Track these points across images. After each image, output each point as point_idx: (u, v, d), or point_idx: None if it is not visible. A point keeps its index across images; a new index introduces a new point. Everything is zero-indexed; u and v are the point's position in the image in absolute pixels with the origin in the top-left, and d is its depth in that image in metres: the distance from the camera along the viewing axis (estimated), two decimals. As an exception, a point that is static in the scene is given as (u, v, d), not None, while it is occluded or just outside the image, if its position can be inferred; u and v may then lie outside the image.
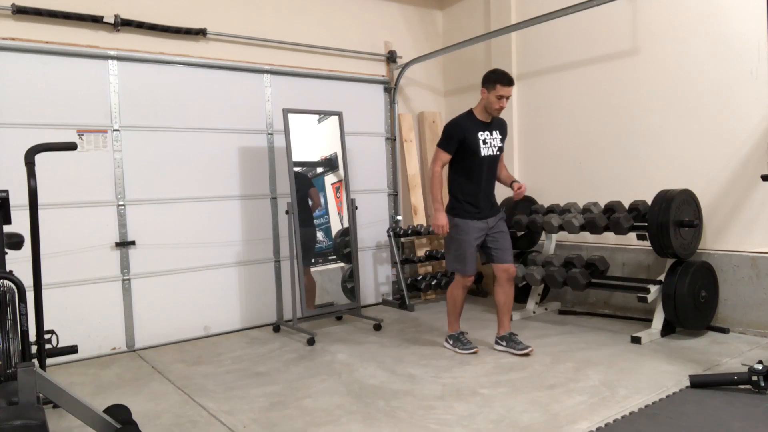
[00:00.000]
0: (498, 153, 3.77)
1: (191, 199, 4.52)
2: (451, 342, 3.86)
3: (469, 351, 3.74)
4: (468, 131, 3.67)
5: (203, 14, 4.60)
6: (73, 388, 2.67)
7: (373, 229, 5.53)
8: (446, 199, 3.81)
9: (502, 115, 3.81)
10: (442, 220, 3.69)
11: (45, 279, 2.84)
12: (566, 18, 4.50)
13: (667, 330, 3.95)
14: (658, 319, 3.96)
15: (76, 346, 3.02)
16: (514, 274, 3.77)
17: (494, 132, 3.74)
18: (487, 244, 3.76)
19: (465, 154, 3.69)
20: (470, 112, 3.76)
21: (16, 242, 2.80)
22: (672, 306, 3.80)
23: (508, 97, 3.63)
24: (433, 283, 5.37)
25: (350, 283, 4.81)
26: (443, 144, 3.73)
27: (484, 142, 3.68)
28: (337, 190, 4.82)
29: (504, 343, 3.75)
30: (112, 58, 4.18)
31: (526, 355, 3.64)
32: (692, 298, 3.80)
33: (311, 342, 4.15)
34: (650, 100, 4.41)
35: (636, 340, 3.80)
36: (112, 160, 4.18)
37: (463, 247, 3.70)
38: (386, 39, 5.74)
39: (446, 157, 3.72)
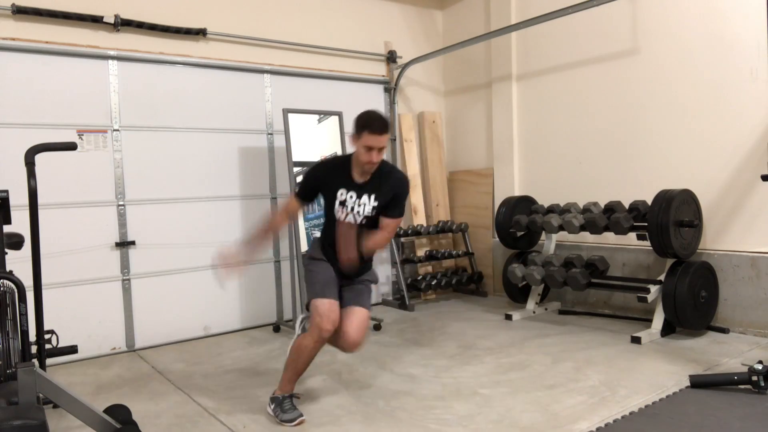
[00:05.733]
0: (364, 222, 2.80)
1: (191, 199, 4.52)
2: (272, 406, 2.81)
3: (292, 422, 2.70)
4: (328, 181, 2.82)
5: (203, 14, 4.60)
6: (73, 388, 2.66)
7: (373, 229, 5.52)
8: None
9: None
10: (233, 248, 2.95)
11: (45, 279, 2.84)
12: (566, 18, 4.51)
13: (667, 330, 3.95)
14: (658, 319, 3.96)
15: (76, 346, 3.03)
16: (359, 341, 2.75)
17: (367, 196, 2.77)
18: (341, 290, 2.90)
19: (327, 209, 2.90)
20: (348, 159, 2.84)
21: (16, 242, 2.80)
22: (672, 306, 3.79)
23: (381, 149, 2.66)
24: (433, 283, 5.36)
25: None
26: (297, 186, 2.84)
27: (342, 204, 2.79)
28: (337, 190, 4.81)
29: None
30: (112, 58, 4.18)
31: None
32: (692, 298, 3.79)
33: (311, 342, 4.14)
34: (650, 100, 4.41)
35: (636, 340, 3.80)
36: (112, 160, 4.18)
37: (319, 275, 2.84)
38: (386, 39, 5.74)
39: (293, 204, 2.96)
